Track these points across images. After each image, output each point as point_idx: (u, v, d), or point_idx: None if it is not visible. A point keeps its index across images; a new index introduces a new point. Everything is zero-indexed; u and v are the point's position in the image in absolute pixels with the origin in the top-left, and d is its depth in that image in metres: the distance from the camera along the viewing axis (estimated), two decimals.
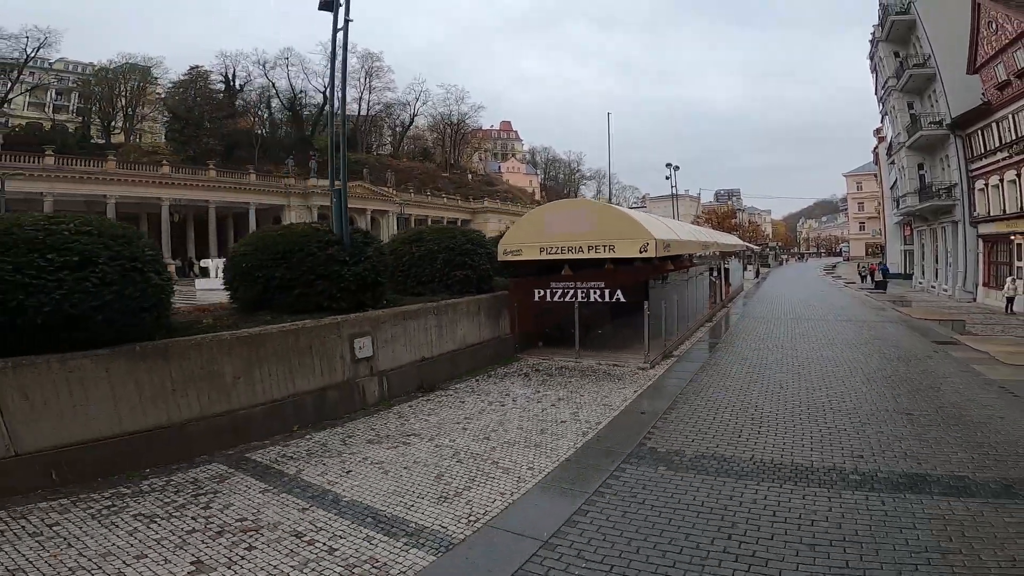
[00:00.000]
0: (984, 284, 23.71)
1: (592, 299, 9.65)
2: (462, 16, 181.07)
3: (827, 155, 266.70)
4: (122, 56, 67.42)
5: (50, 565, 3.31)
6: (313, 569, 3.35)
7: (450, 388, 7.97)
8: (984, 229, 23.55)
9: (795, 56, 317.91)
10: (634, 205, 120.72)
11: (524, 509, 4.21)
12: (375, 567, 3.37)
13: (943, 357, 9.72)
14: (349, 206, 32.98)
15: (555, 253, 9.86)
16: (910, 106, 32.23)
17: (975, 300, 23.81)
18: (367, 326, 6.96)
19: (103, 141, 59.12)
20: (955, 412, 6.38)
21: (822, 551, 3.43)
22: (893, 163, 37.52)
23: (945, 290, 27.60)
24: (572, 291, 9.72)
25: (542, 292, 10.04)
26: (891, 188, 40.80)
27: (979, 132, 23.84)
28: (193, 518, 3.98)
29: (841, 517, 3.88)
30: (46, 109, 70.15)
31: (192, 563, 3.38)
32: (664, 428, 6.03)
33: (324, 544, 3.65)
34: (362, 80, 78.99)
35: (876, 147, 50.16)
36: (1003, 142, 21.63)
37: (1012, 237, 20.86)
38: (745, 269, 35.42)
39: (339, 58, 7.66)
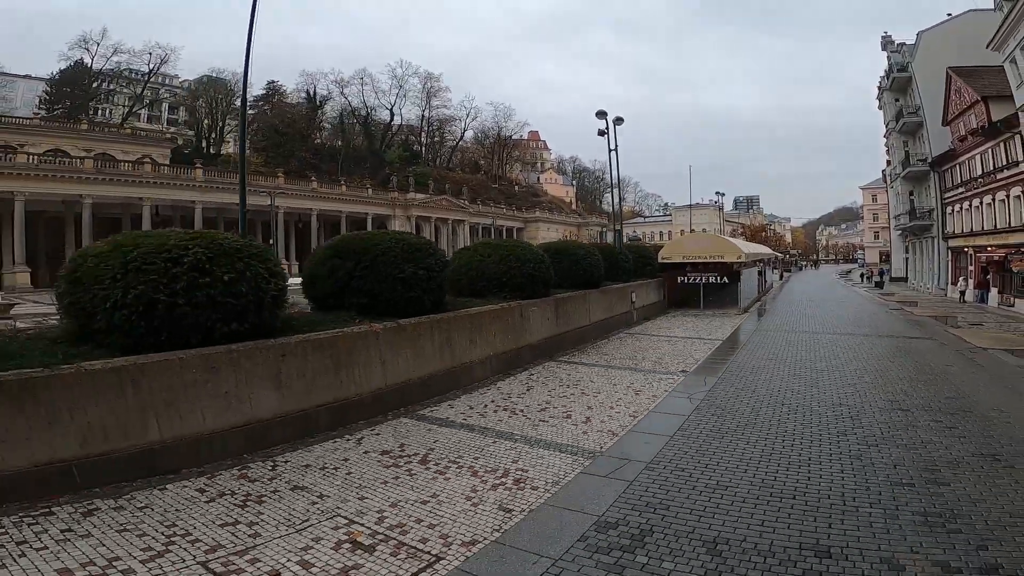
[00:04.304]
0: (952, 283, 32.76)
1: (711, 281, 19.23)
2: (482, 24, 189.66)
3: (849, 161, 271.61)
4: (212, 71, 75.49)
5: (591, 364, 12.90)
6: (685, 350, 12.75)
7: (657, 319, 17.58)
8: (952, 243, 32.63)
9: (819, 61, 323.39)
10: (657, 212, 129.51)
11: (727, 338, 13.77)
12: (705, 344, 12.89)
13: (891, 313, 19.15)
14: (435, 216, 43.58)
15: (690, 258, 19.48)
16: (905, 144, 41.24)
17: (946, 294, 32.86)
18: (634, 288, 16.63)
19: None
20: (877, 324, 15.88)
21: (823, 350, 12.82)
22: (893, 187, 46.51)
23: (928, 288, 36.68)
24: (701, 276, 19.30)
25: (683, 278, 19.64)
26: (894, 206, 49.68)
27: (949, 170, 32.96)
28: (635, 343, 13.54)
29: (831, 342, 13.27)
30: (140, 120, 79.93)
31: (654, 351, 12.90)
32: (761, 326, 15.59)
33: (685, 343, 13.19)
34: (423, 99, 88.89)
35: (885, 169, 58.97)
36: (962, 180, 30.75)
37: (965, 249, 29.99)
38: (772, 272, 44.75)
39: (615, 172, 17.34)
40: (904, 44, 42.75)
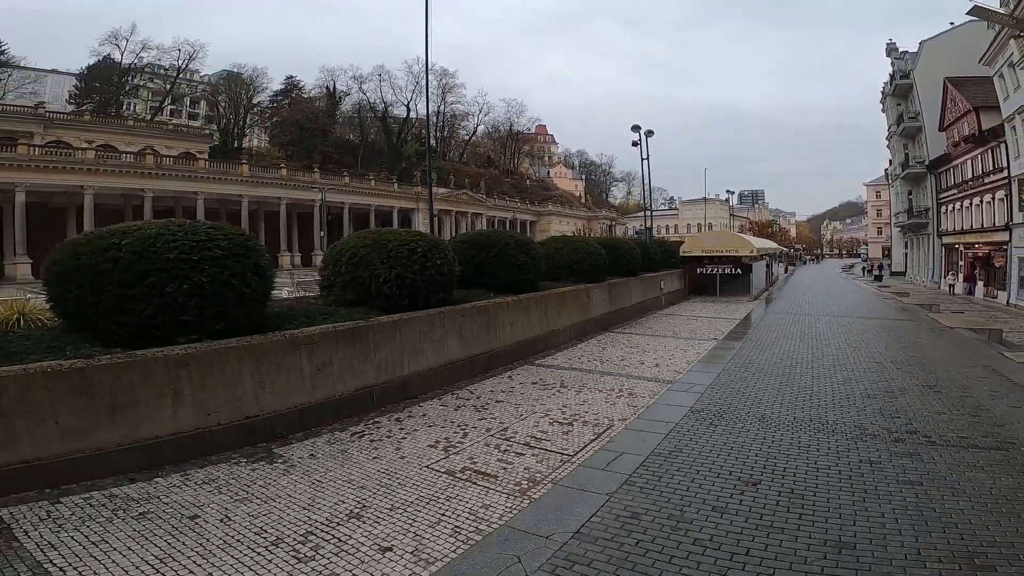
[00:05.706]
0: (944, 277, 35.58)
1: (726, 272, 22.11)
2: (483, 24, 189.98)
3: (855, 156, 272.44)
4: (234, 66, 77.33)
5: (653, 326, 15.84)
6: (711, 325, 15.70)
7: (680, 304, 20.47)
8: (945, 240, 35.39)
9: (826, 57, 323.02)
10: (663, 206, 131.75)
11: (744, 318, 16.66)
12: (726, 322, 15.80)
13: (883, 302, 22.01)
14: (456, 210, 46.84)
15: (708, 252, 22.35)
16: (905, 146, 43.79)
17: (939, 287, 35.68)
18: (663, 277, 19.52)
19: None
20: (870, 310, 18.76)
21: (822, 327, 15.72)
22: (893, 186, 49.15)
23: (923, 282, 39.49)
24: (718, 267, 22.19)
25: (702, 268, 22.52)
26: (894, 204, 52.30)
27: (944, 173, 35.63)
28: (669, 320, 16.46)
29: (829, 322, 16.17)
30: (163, 115, 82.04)
31: (687, 326, 15.83)
32: (771, 310, 18.48)
33: (709, 321, 16.09)
34: (439, 95, 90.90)
35: (887, 168, 61.52)
36: (956, 182, 33.43)
37: (957, 246, 32.77)
38: (778, 265, 47.69)
39: (647, 180, 20.14)
40: (907, 52, 45.15)
